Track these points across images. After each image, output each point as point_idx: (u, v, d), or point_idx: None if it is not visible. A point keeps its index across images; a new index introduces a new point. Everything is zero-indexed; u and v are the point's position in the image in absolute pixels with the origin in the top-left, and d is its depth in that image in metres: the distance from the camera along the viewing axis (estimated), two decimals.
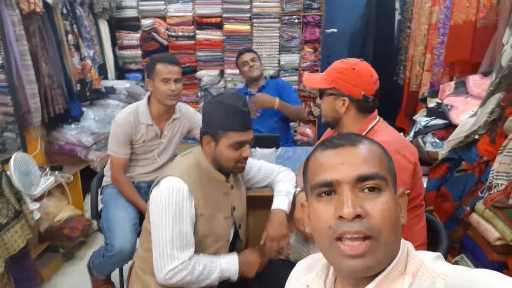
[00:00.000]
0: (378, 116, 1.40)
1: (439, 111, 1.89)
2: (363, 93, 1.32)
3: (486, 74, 1.90)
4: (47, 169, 2.51)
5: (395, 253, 0.67)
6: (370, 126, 1.37)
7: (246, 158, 1.37)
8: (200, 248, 1.37)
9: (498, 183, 1.42)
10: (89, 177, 2.84)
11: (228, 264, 1.37)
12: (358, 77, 1.33)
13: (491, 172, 1.48)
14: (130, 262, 1.65)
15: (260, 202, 1.69)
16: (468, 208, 1.54)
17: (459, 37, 2.28)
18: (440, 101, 2.00)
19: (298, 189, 1.59)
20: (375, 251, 0.63)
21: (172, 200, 1.27)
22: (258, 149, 1.92)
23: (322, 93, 1.39)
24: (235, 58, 3.83)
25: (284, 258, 1.54)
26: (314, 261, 0.83)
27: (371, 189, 0.66)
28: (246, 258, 1.43)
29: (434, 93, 2.13)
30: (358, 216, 0.63)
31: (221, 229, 1.42)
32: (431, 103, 2.03)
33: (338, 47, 4.22)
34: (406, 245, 0.69)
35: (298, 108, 2.75)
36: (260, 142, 1.95)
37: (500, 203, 1.33)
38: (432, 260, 0.66)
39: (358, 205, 0.64)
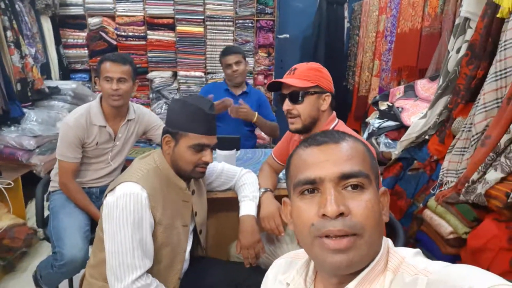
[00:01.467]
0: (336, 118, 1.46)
1: (391, 113, 1.98)
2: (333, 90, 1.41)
3: (432, 78, 2.02)
4: None
5: (378, 250, 0.67)
6: (332, 126, 1.41)
7: (206, 164, 1.32)
8: (156, 258, 1.30)
9: (448, 180, 1.51)
10: (31, 182, 2.64)
11: None
12: (328, 75, 1.42)
13: (441, 170, 1.57)
14: (81, 272, 1.55)
15: (220, 205, 1.66)
16: (421, 205, 1.62)
17: (406, 44, 2.42)
18: (391, 104, 2.10)
19: (262, 190, 1.59)
20: (358, 248, 0.63)
21: (130, 207, 1.19)
22: (218, 151, 1.89)
23: (303, 94, 1.37)
24: (188, 60, 3.84)
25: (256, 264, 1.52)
26: (293, 259, 0.82)
27: (354, 186, 0.65)
28: None
29: (385, 96, 2.23)
30: (341, 214, 0.62)
31: (179, 238, 1.36)
32: (383, 106, 2.12)
33: (290, 52, 4.31)
34: (386, 242, 0.70)
35: (274, 126, 2.71)
36: (221, 143, 1.91)
37: (451, 199, 1.41)
38: (412, 256, 0.67)
39: (341, 203, 0.63)
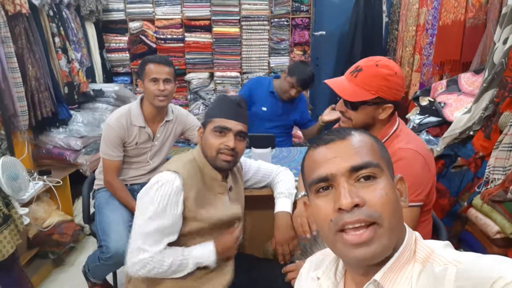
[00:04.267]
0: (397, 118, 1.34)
1: (432, 109, 1.91)
2: (403, 95, 1.29)
3: (477, 72, 1.93)
4: (35, 173, 2.45)
5: (401, 239, 0.68)
6: (391, 132, 1.31)
7: (229, 149, 1.31)
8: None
9: (495, 178, 1.44)
10: (78, 181, 2.78)
11: (202, 253, 1.33)
12: (400, 80, 1.27)
13: (487, 167, 1.49)
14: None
15: (256, 202, 1.68)
16: (465, 204, 1.55)
17: (449, 37, 2.32)
18: (432, 100, 2.02)
19: (300, 194, 1.57)
20: (380, 237, 0.64)
21: (158, 194, 1.25)
22: (253, 149, 1.91)
23: (359, 104, 1.26)
24: (224, 60, 3.88)
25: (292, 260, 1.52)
26: (324, 256, 0.84)
27: (367, 178, 0.67)
28: (221, 241, 1.38)
29: (426, 91, 2.15)
30: (356, 206, 0.64)
31: (212, 230, 1.38)
32: (424, 102, 2.05)
33: (326, 49, 4.25)
34: (414, 234, 0.70)
35: (318, 129, 2.67)
36: (255, 142, 1.93)
37: (498, 197, 1.34)
38: (442, 247, 0.67)
39: (355, 195, 0.65)
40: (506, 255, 0.63)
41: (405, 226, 0.70)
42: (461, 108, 1.79)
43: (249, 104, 2.61)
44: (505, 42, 1.57)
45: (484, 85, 1.62)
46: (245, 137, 1.38)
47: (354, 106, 1.28)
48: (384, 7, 3.85)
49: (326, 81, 1.33)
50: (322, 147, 0.72)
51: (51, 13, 2.86)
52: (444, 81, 2.07)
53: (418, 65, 2.97)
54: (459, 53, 2.20)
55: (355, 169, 0.67)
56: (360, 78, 1.25)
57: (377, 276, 0.65)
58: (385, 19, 3.88)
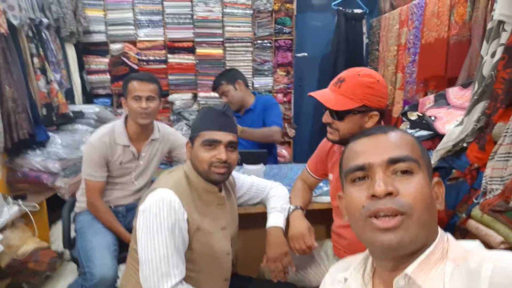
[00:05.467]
0: None
1: (422, 123, 1.92)
2: (387, 103, 1.30)
3: (465, 86, 1.95)
4: (9, 198, 2.30)
5: (432, 236, 0.67)
6: None
7: (221, 162, 1.26)
8: (198, 265, 1.25)
9: (493, 188, 1.42)
10: (54, 206, 2.64)
11: None
12: (383, 88, 1.27)
13: (484, 178, 1.48)
14: None
15: (249, 220, 1.61)
16: (463, 215, 1.53)
17: (432, 54, 2.37)
18: (421, 114, 2.03)
19: (293, 207, 1.52)
20: (407, 228, 0.64)
21: (163, 213, 1.16)
22: (245, 166, 1.85)
23: (345, 113, 1.25)
24: (208, 81, 3.86)
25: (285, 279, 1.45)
26: (350, 261, 0.83)
27: (403, 172, 0.68)
28: None
29: (413, 107, 2.17)
30: (390, 195, 0.65)
31: (220, 242, 1.32)
32: (413, 116, 2.06)
33: (309, 70, 4.31)
34: (446, 235, 0.71)
35: (265, 131, 2.54)
36: (247, 158, 1.88)
37: (499, 207, 1.32)
38: (477, 246, 0.69)
39: (389, 184, 0.66)
40: None
41: (438, 227, 0.70)
42: (452, 121, 1.80)
43: None
44: (493, 55, 1.59)
45: (475, 97, 1.63)
46: (236, 146, 1.33)
47: (340, 116, 1.27)
48: (364, 29, 3.95)
49: (310, 93, 1.32)
50: (363, 139, 0.74)
51: (30, 34, 2.78)
52: (431, 96, 2.09)
53: (401, 83, 3.02)
54: (444, 69, 2.24)
55: (393, 161, 0.68)
56: (344, 88, 1.26)
57: (409, 270, 0.64)
58: (365, 41, 3.98)
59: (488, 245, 1.35)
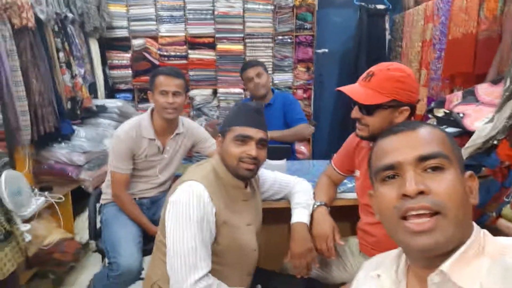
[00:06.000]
0: None
1: (450, 120, 1.88)
2: (418, 98, 1.27)
3: (495, 82, 1.90)
4: (36, 189, 2.35)
5: (467, 232, 0.66)
6: None
7: (251, 158, 1.26)
8: (223, 259, 1.26)
9: None
10: (78, 198, 2.69)
11: None
12: (414, 83, 1.25)
13: None
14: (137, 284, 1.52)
15: (272, 215, 1.61)
16: (493, 214, 1.49)
17: (459, 50, 2.32)
18: (448, 111, 1.99)
19: (317, 203, 1.51)
20: (443, 227, 0.62)
21: (193, 205, 1.17)
22: (268, 161, 1.84)
23: (375, 108, 1.23)
24: (228, 77, 3.87)
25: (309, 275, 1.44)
26: (383, 258, 0.82)
27: (434, 168, 0.66)
28: None
29: (440, 103, 2.13)
30: (421, 193, 0.63)
31: (245, 237, 1.32)
32: (439, 113, 2.02)
33: (329, 66, 4.26)
34: (482, 230, 0.69)
35: (296, 130, 2.60)
36: (270, 153, 1.87)
37: None
38: None
39: (420, 182, 0.64)
40: None
41: (472, 223, 0.68)
42: (481, 118, 1.76)
43: None
44: None
45: (507, 94, 1.59)
46: (266, 144, 1.33)
47: (369, 110, 1.25)
48: (387, 25, 3.88)
49: (339, 88, 1.29)
50: (391, 136, 0.72)
51: (56, 29, 2.83)
52: (459, 93, 2.04)
53: (426, 79, 2.97)
54: (472, 65, 2.19)
55: (423, 158, 0.66)
56: (374, 82, 1.23)
57: (444, 267, 0.63)
58: (387, 37, 3.92)
59: None
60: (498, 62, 1.93)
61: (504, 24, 1.94)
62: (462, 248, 0.64)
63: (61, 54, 2.86)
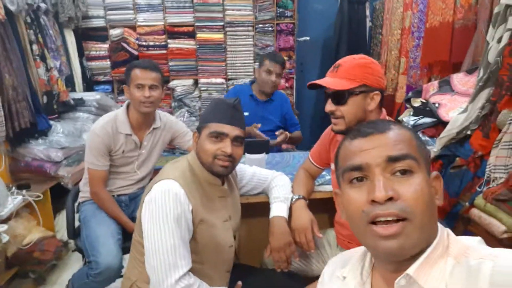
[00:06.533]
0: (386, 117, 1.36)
1: (426, 110, 1.90)
2: (385, 84, 1.31)
3: (470, 71, 1.93)
4: (13, 188, 2.31)
5: (433, 235, 0.67)
6: None
7: (226, 155, 1.25)
8: (201, 257, 1.26)
9: (496, 177, 1.42)
10: (59, 195, 2.65)
11: None
12: (380, 68, 1.29)
13: (487, 166, 1.47)
14: (117, 282, 1.51)
15: (252, 210, 1.61)
16: (467, 204, 1.53)
17: (437, 38, 2.33)
18: (425, 101, 2.01)
19: (296, 196, 1.52)
20: (409, 233, 0.63)
21: (169, 204, 1.16)
22: (247, 155, 1.84)
23: (348, 95, 1.25)
24: (209, 67, 3.82)
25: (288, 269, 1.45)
26: (349, 256, 0.82)
27: (403, 172, 0.66)
28: None
29: (417, 93, 2.15)
30: (390, 199, 0.63)
31: (222, 234, 1.32)
32: (416, 103, 2.04)
33: (311, 54, 4.25)
34: (445, 230, 0.70)
35: (296, 137, 2.76)
36: (249, 147, 1.87)
37: (503, 196, 1.32)
38: (477, 243, 0.67)
39: (390, 188, 0.64)
40: None
41: (437, 224, 0.69)
42: (456, 108, 1.78)
43: None
44: (499, 41, 1.56)
45: (480, 84, 1.61)
46: (243, 142, 1.32)
47: (342, 99, 1.26)
48: (368, 12, 3.87)
49: (310, 82, 1.31)
50: (360, 138, 0.71)
51: (29, 20, 2.74)
52: (435, 82, 2.06)
53: (405, 68, 2.98)
54: (448, 54, 2.20)
55: (391, 160, 0.66)
56: (342, 71, 1.26)
57: (410, 270, 0.64)
58: (368, 24, 3.91)
59: (491, 235, 1.35)
60: (473, 52, 1.95)
61: (479, 13, 1.95)
62: (428, 251, 0.65)
63: (35, 47, 2.77)
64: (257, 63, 3.80)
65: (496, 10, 1.60)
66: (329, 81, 1.27)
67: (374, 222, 0.65)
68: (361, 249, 0.78)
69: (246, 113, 2.60)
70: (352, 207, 0.68)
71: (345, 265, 0.80)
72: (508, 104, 1.48)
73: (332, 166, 1.53)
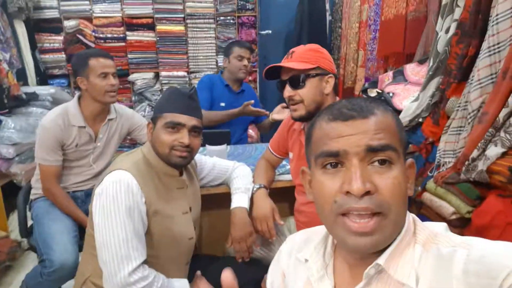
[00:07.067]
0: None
1: (381, 100, 1.95)
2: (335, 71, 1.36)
3: (421, 62, 2.00)
4: None
5: (402, 225, 0.64)
6: None
7: (183, 146, 1.23)
8: (157, 249, 1.23)
9: (446, 161, 1.48)
10: (12, 193, 2.53)
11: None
12: (329, 56, 1.35)
13: (437, 152, 1.54)
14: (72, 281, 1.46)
15: (213, 201, 1.60)
16: (419, 188, 1.58)
17: (391, 31, 2.40)
18: (380, 91, 2.07)
19: (257, 186, 1.53)
20: (384, 228, 0.60)
21: (121, 195, 1.12)
22: (208, 146, 1.83)
23: (304, 77, 1.29)
24: (170, 60, 3.75)
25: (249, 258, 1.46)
26: (310, 235, 0.79)
27: (382, 162, 0.61)
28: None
29: (373, 84, 2.21)
30: (367, 193, 0.59)
31: (181, 226, 1.30)
32: (372, 93, 2.09)
33: (273, 47, 4.27)
34: (411, 216, 0.67)
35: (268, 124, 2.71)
36: (210, 139, 1.86)
37: (451, 179, 1.38)
38: (444, 230, 0.65)
39: (367, 180, 0.59)
40: (462, 235, 0.63)
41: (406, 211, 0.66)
42: (409, 97, 1.85)
43: (210, 103, 2.53)
44: (447, 31, 1.63)
45: (430, 73, 1.67)
46: (200, 132, 1.31)
47: (300, 81, 1.30)
48: (327, 6, 3.93)
49: (268, 67, 1.34)
50: (340, 123, 0.64)
51: None
52: (390, 73, 2.13)
53: (363, 60, 3.06)
54: (402, 45, 2.28)
55: (371, 150, 0.61)
56: (296, 56, 1.31)
57: (381, 260, 0.62)
58: (328, 18, 3.97)
59: (441, 216, 1.41)
60: (424, 42, 2.02)
61: (429, 4, 2.03)
62: (397, 240, 0.63)
63: None
64: (220, 56, 3.80)
65: (444, 1, 1.67)
66: (287, 63, 1.31)
67: (345, 214, 0.61)
68: (322, 229, 0.75)
69: (222, 104, 2.57)
70: (323, 195, 0.63)
71: (304, 246, 0.78)
72: (455, 91, 1.55)
73: (290, 155, 1.55)
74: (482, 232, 1.20)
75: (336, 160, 0.63)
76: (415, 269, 0.60)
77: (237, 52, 2.52)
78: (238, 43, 2.62)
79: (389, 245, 0.63)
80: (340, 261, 0.71)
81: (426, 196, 1.51)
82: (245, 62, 2.54)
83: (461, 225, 1.34)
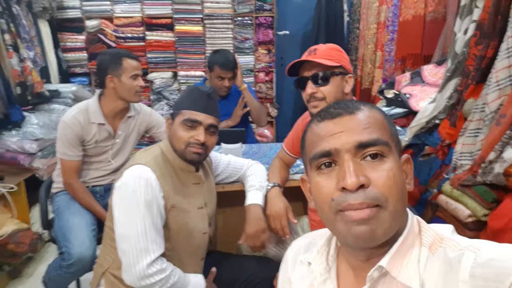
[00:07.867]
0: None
1: (398, 101, 1.95)
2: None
3: (439, 63, 1.98)
4: None
5: (403, 221, 0.64)
6: None
7: (199, 143, 1.26)
8: (174, 243, 1.27)
9: (462, 164, 1.47)
10: (34, 187, 2.60)
11: (196, 284, 1.29)
12: (347, 56, 1.37)
13: (454, 154, 1.52)
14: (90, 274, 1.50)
15: (228, 198, 1.63)
16: (435, 190, 1.58)
17: (409, 32, 2.38)
18: (397, 92, 2.06)
19: (271, 184, 1.54)
20: (381, 219, 0.60)
21: (140, 188, 1.16)
22: (223, 145, 1.86)
23: (329, 75, 1.28)
24: (188, 59, 3.79)
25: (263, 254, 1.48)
26: (313, 239, 0.79)
27: (374, 156, 0.62)
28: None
29: (390, 84, 2.20)
30: (361, 186, 0.60)
31: (196, 221, 1.33)
32: (389, 94, 2.09)
33: (290, 48, 4.27)
34: (415, 217, 0.67)
35: (261, 105, 2.70)
36: (225, 137, 1.88)
37: (467, 181, 1.37)
38: (451, 232, 0.65)
39: (360, 174, 0.60)
40: (478, 238, 0.62)
41: (407, 210, 0.66)
42: (426, 98, 1.83)
43: None
44: (465, 32, 1.61)
45: (448, 74, 1.66)
46: (216, 130, 1.34)
47: (326, 78, 1.29)
48: (345, 7, 3.92)
49: (294, 61, 1.32)
50: (328, 121, 0.66)
51: (0, 9, 2.67)
52: (407, 74, 2.12)
53: (380, 61, 3.04)
54: (420, 46, 2.27)
55: (362, 146, 0.62)
56: (320, 53, 1.30)
57: (383, 262, 0.61)
58: (346, 19, 3.96)
59: (457, 219, 1.40)
60: (442, 44, 2.00)
61: (448, 6, 2.01)
62: (400, 240, 0.62)
63: (7, 36, 2.71)
64: (238, 55, 3.81)
65: (462, 2, 1.65)
66: (317, 59, 1.28)
67: (343, 210, 0.61)
68: (326, 232, 0.76)
69: None
70: (321, 195, 0.64)
71: (308, 249, 0.78)
72: (473, 93, 1.53)
73: None
74: (498, 235, 1.19)
75: (329, 159, 0.64)
76: (420, 272, 0.60)
77: (217, 72, 2.47)
78: (220, 62, 2.46)
79: (391, 246, 0.62)
80: (343, 264, 0.71)
81: (442, 198, 1.50)
82: (226, 83, 2.50)
83: (477, 228, 1.33)
